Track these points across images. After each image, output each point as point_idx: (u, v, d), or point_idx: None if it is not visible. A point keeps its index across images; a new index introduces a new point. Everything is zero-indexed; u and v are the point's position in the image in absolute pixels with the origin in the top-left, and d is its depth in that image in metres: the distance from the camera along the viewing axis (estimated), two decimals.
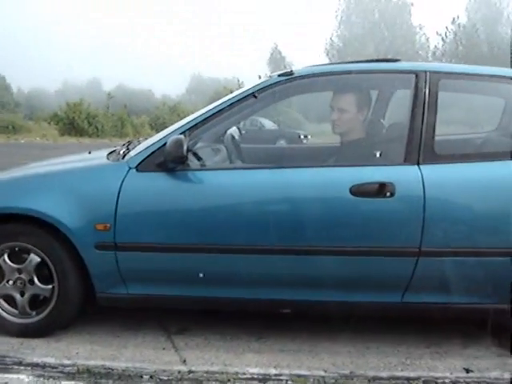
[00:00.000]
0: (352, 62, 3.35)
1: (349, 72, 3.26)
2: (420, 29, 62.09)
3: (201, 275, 3.00)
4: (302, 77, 3.18)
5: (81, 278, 3.11)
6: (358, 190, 2.84)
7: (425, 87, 3.00)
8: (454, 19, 52.23)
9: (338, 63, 3.52)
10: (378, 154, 3.04)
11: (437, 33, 53.26)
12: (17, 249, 3.15)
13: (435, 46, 55.32)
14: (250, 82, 3.36)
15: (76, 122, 31.81)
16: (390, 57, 3.60)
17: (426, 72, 3.04)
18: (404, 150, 2.94)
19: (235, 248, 2.95)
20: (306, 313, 3.36)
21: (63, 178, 3.20)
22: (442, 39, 52.94)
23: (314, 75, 3.23)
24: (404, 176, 2.89)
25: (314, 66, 3.37)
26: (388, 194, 2.83)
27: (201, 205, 2.97)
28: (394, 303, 3.01)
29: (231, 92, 3.43)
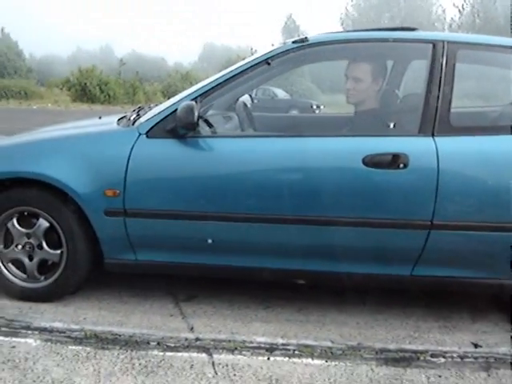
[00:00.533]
0: (368, 30, 3.28)
1: (364, 40, 3.19)
2: (437, 0, 61.17)
3: (209, 241, 2.98)
4: (317, 44, 3.11)
5: (89, 244, 3.11)
6: (371, 161, 2.80)
7: (442, 57, 2.92)
8: None
9: (354, 31, 3.44)
10: (392, 125, 2.99)
11: (454, 4, 52.53)
12: (26, 213, 3.15)
13: (452, 19, 54.49)
14: (263, 50, 3.29)
15: (88, 88, 31.70)
16: None
17: (443, 42, 2.96)
18: (419, 121, 2.89)
19: (245, 216, 2.92)
20: (316, 283, 3.35)
21: (73, 142, 3.18)
22: (459, 11, 52.09)
23: (328, 43, 3.16)
24: (418, 147, 2.83)
25: (329, 33, 3.30)
26: (401, 165, 2.78)
27: (211, 172, 2.94)
28: (403, 276, 2.99)
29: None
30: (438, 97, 2.88)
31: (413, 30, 3.29)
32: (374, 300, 3.34)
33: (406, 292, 3.40)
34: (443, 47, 2.94)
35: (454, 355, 2.79)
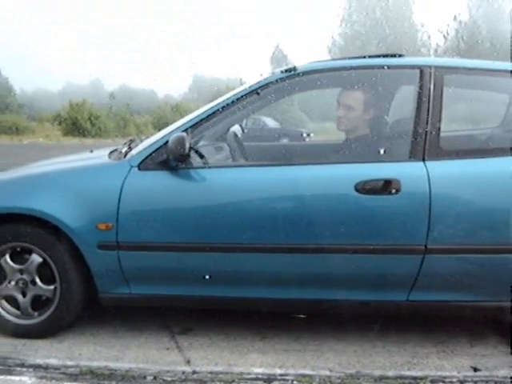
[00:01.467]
0: (355, 58, 3.31)
1: (352, 68, 3.20)
2: (422, 26, 61.78)
3: (207, 277, 2.96)
4: (305, 73, 3.13)
5: (83, 278, 3.08)
6: (363, 187, 2.80)
7: (430, 82, 2.96)
8: (455, 16, 52.05)
9: (342, 59, 3.47)
10: (382, 151, 2.99)
11: (438, 30, 53.19)
12: (18, 249, 3.13)
13: (437, 44, 55.15)
14: (252, 81, 3.30)
15: (79, 122, 31.89)
16: None
17: (430, 67, 3.00)
18: (409, 147, 2.90)
19: (239, 246, 2.92)
20: (313, 312, 3.33)
21: (65, 177, 3.17)
22: (444, 36, 52.75)
23: (317, 71, 3.19)
24: (409, 172, 2.85)
25: (317, 61, 3.33)
26: (393, 190, 2.79)
27: (204, 203, 2.93)
28: (400, 301, 2.97)
29: None
30: (427, 121, 2.90)
31: (400, 56, 3.32)
32: (371, 327, 3.32)
33: (402, 318, 3.37)
34: (430, 72, 2.98)
35: (454, 380, 2.77)
